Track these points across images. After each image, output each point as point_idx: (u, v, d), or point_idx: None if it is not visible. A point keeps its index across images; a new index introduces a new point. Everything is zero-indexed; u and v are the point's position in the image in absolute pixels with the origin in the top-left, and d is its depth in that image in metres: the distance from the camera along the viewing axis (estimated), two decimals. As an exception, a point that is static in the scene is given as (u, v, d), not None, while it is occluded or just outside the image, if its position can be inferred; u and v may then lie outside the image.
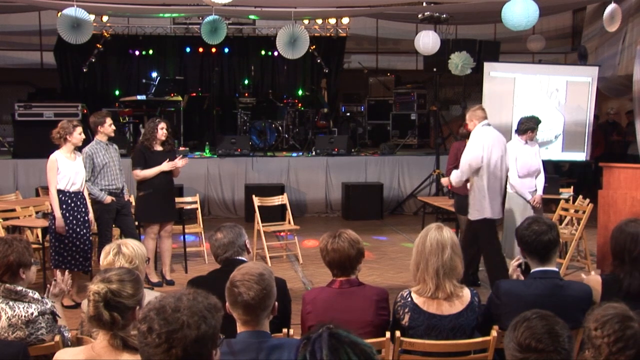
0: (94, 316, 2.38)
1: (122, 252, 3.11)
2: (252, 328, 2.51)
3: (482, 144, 5.89)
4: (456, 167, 6.63)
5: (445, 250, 3.12)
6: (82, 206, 5.91)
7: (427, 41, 9.65)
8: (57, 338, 3.01)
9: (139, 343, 1.87)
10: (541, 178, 6.52)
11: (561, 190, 8.07)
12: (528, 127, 6.43)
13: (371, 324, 3.16)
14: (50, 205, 5.91)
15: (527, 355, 1.96)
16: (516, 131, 6.66)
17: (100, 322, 2.37)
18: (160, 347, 1.81)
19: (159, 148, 6.64)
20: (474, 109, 6.19)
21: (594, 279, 3.38)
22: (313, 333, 1.72)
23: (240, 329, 2.53)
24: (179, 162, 6.62)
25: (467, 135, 6.65)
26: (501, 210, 6.12)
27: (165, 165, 6.55)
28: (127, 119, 11.74)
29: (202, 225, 8.01)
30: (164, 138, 6.63)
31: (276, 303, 2.60)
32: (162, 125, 6.63)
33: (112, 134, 6.33)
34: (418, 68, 13.36)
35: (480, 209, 5.94)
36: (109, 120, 6.26)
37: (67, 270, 3.42)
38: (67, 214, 5.80)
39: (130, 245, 3.16)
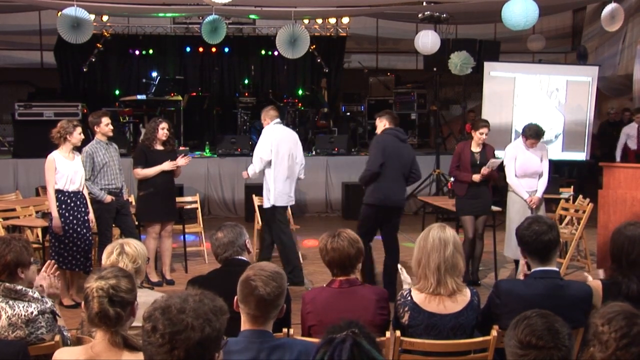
0: (99, 312, 2.36)
1: (125, 251, 3.12)
2: (257, 327, 2.51)
3: (270, 140, 6.62)
4: (458, 166, 6.65)
5: (448, 247, 3.14)
6: (82, 206, 5.91)
7: (427, 41, 9.65)
8: (57, 337, 3.01)
9: (142, 341, 1.87)
10: (544, 181, 6.52)
11: (561, 190, 8.07)
12: (523, 132, 6.49)
13: (371, 323, 3.15)
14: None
15: (527, 352, 1.97)
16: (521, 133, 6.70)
17: (106, 318, 2.36)
18: (163, 347, 1.81)
19: (160, 148, 6.64)
20: (268, 109, 6.82)
21: (594, 284, 3.37)
22: (336, 333, 1.70)
23: (244, 326, 2.53)
24: (181, 161, 6.62)
25: (469, 135, 6.68)
26: (294, 197, 6.82)
27: (166, 165, 6.56)
28: (127, 118, 11.73)
29: (202, 225, 8.01)
30: (164, 138, 6.62)
31: (284, 305, 2.60)
32: (163, 125, 6.63)
33: (110, 134, 6.31)
34: (418, 68, 13.35)
35: (270, 197, 6.63)
36: (105, 120, 6.24)
37: (55, 273, 3.37)
38: (67, 214, 5.79)
39: (133, 245, 3.18)
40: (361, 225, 6.12)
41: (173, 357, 1.80)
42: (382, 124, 6.28)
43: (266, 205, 6.69)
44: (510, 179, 6.51)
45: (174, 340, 1.80)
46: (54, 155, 5.77)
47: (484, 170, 6.40)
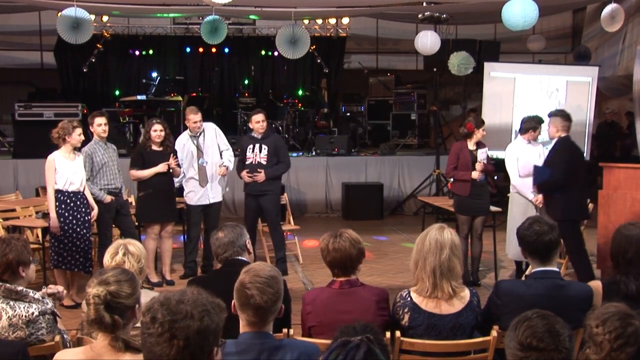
0: (95, 319, 2.35)
1: (130, 251, 3.15)
2: (256, 329, 2.50)
3: None
4: (456, 167, 6.65)
5: (444, 251, 3.13)
6: (82, 206, 5.91)
7: (427, 41, 9.64)
8: (57, 338, 3.01)
9: (141, 334, 1.87)
10: None
11: (561, 190, 8.04)
12: (529, 126, 6.46)
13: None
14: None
15: (528, 354, 1.97)
16: (518, 131, 6.69)
17: (101, 325, 2.35)
18: (163, 337, 1.81)
19: (157, 148, 6.62)
20: (191, 109, 7.03)
21: (594, 284, 3.38)
22: (350, 335, 1.70)
23: (243, 329, 2.52)
24: (172, 162, 6.59)
25: (467, 135, 6.66)
26: None
27: (159, 167, 6.53)
28: (127, 119, 11.73)
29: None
30: (158, 140, 6.58)
31: (283, 306, 2.59)
32: (155, 127, 6.56)
33: (103, 135, 6.23)
34: (418, 68, 13.34)
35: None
36: (97, 121, 6.20)
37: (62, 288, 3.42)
38: (66, 214, 5.80)
39: (135, 245, 3.21)
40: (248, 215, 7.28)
41: (172, 346, 1.79)
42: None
43: (220, 197, 7.36)
44: (515, 179, 6.47)
45: (174, 328, 1.80)
46: (54, 156, 5.79)
47: (478, 165, 6.41)
